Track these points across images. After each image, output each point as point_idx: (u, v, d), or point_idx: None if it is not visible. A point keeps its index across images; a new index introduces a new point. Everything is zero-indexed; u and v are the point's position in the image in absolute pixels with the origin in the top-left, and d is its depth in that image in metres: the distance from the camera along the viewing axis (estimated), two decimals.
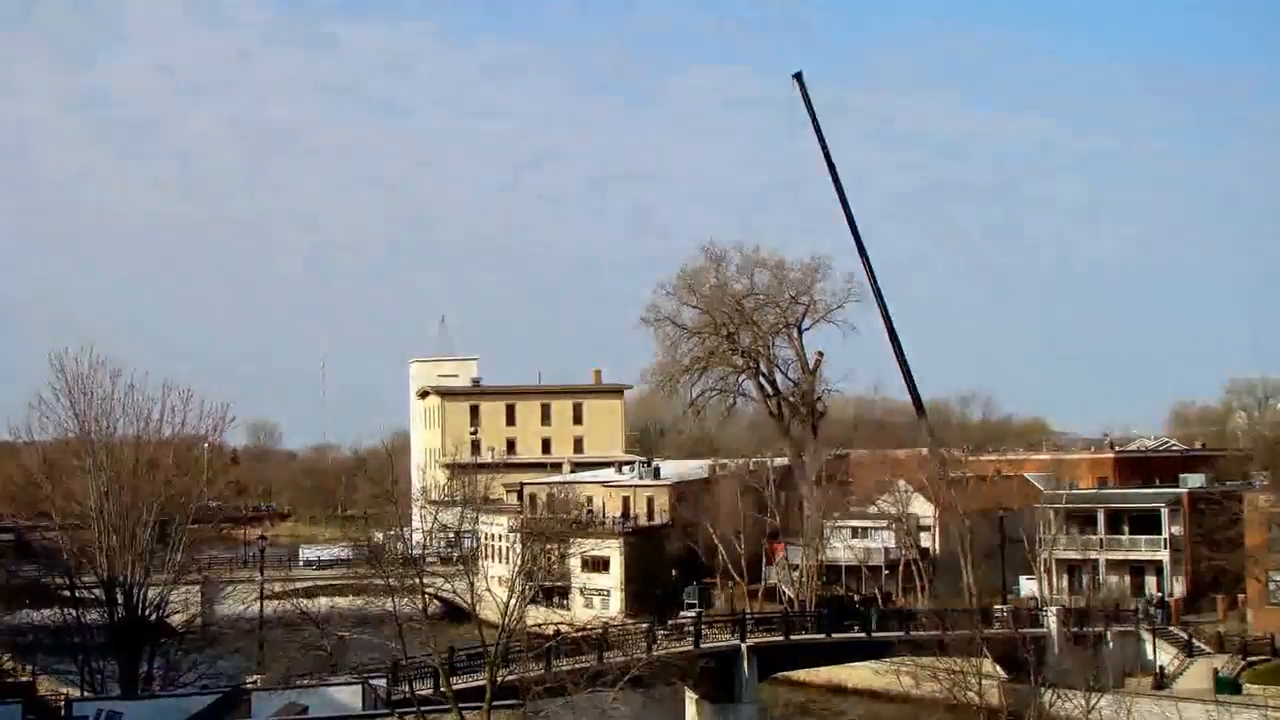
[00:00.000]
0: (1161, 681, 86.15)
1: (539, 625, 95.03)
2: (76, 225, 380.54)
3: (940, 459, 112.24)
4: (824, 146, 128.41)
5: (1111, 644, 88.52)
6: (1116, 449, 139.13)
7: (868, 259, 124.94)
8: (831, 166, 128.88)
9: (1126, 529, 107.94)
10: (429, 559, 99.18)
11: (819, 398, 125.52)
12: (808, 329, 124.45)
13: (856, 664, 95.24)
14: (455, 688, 51.20)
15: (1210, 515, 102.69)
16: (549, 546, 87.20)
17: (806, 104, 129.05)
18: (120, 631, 61.96)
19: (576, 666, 67.75)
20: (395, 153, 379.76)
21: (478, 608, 55.73)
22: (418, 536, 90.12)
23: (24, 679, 64.50)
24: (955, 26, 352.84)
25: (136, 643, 62.13)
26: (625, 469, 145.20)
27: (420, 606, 51.53)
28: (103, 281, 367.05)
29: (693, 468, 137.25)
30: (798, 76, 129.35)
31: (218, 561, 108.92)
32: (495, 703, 47.53)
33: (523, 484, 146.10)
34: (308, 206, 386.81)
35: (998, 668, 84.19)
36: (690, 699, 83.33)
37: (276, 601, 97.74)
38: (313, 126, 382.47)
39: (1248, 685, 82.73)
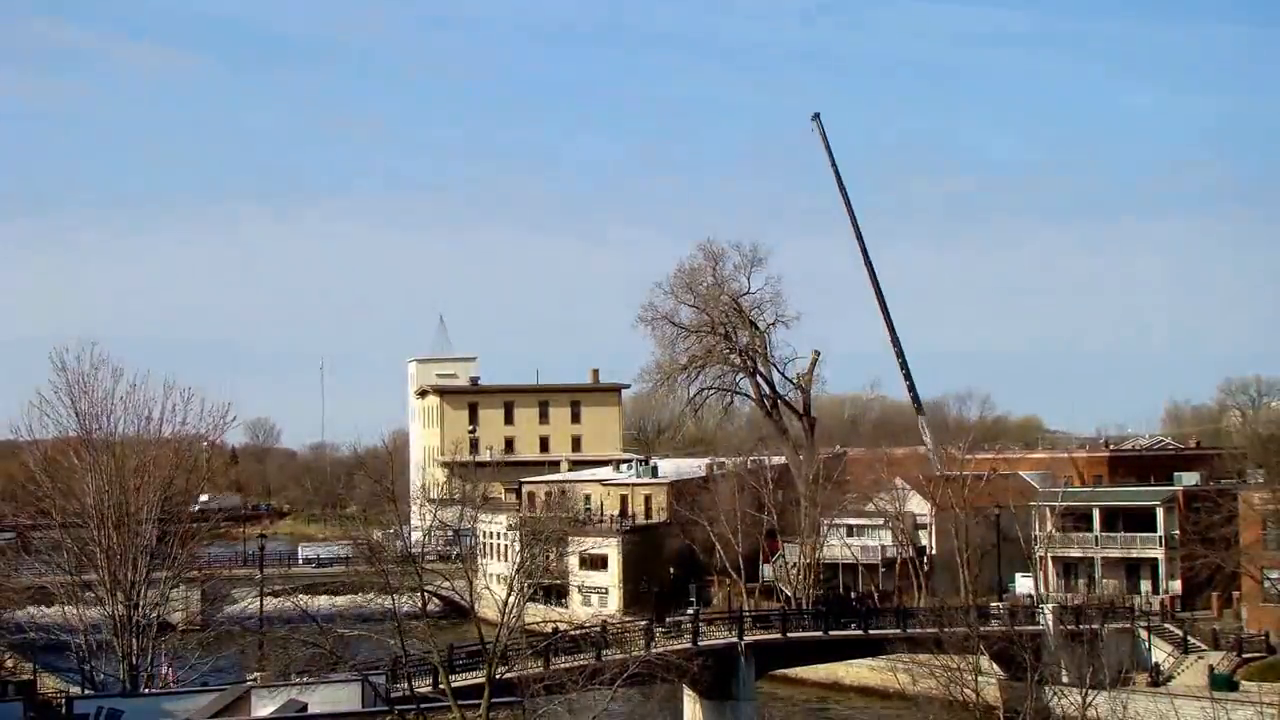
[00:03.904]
0: (1157, 678, 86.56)
1: (538, 623, 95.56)
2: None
3: (938, 457, 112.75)
4: (841, 187, 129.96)
5: (1107, 641, 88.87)
6: (1112, 447, 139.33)
7: (884, 300, 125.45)
8: (849, 205, 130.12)
9: (1122, 527, 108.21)
10: (428, 557, 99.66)
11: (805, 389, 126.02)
12: (805, 328, 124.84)
13: (854, 661, 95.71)
14: (454, 685, 51.45)
15: (1205, 513, 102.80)
16: (547, 545, 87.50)
17: (825, 144, 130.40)
18: (120, 630, 62.21)
19: (575, 664, 68.12)
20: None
21: (477, 605, 56.10)
22: (417, 535, 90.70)
23: (25, 677, 64.78)
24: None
25: (136, 641, 62.38)
26: (623, 467, 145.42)
27: (419, 604, 51.80)
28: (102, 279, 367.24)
29: (690, 466, 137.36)
30: (816, 117, 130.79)
31: (218, 560, 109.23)
32: (494, 700, 47.78)
33: (521, 482, 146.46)
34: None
35: (994, 665, 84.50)
36: (688, 696, 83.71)
37: (276, 599, 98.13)
38: None
39: (1243, 682, 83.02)
